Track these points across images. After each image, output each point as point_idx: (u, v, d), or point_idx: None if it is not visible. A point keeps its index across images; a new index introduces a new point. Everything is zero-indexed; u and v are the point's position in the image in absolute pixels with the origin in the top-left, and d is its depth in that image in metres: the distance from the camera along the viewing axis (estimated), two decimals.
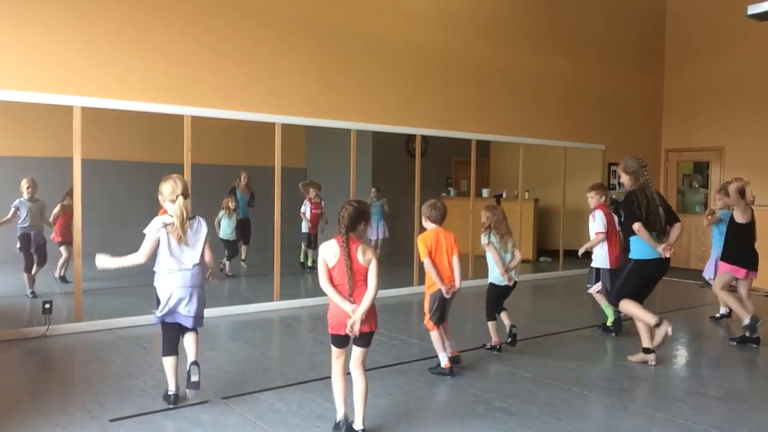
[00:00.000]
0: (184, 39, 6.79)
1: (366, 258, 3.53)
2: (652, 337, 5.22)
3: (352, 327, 3.48)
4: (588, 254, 6.47)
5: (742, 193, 6.10)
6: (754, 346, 5.87)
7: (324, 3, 7.85)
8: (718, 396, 4.58)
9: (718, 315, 7.10)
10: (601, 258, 6.35)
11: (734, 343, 5.96)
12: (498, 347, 5.52)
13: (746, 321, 5.95)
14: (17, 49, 5.87)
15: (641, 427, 3.96)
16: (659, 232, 5.12)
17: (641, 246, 5.10)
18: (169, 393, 4.18)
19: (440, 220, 4.90)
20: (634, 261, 5.18)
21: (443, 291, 4.80)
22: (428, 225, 4.93)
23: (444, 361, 4.92)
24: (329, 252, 3.55)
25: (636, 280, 5.21)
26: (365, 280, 3.54)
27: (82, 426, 3.79)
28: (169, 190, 4.03)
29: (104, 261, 3.99)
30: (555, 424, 3.97)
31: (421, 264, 5.04)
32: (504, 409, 4.20)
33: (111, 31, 6.35)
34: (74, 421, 3.85)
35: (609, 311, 6.39)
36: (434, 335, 4.93)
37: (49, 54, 6.03)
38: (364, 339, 3.62)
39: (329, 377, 3.70)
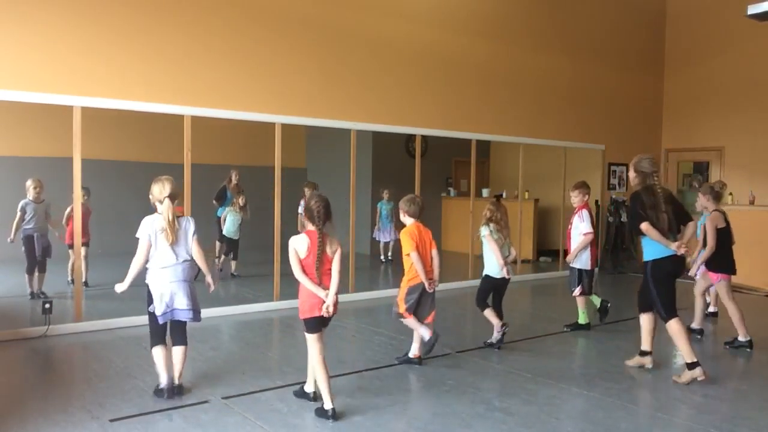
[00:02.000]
0: (184, 39, 6.79)
1: (332, 249, 3.92)
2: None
3: (328, 309, 3.83)
4: (565, 253, 6.40)
5: (716, 197, 5.98)
6: (748, 350, 5.82)
7: (324, 3, 7.85)
8: (718, 396, 4.58)
9: (707, 312, 6.97)
10: (582, 259, 6.30)
11: (727, 347, 5.89)
12: (500, 338, 5.57)
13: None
14: (17, 49, 5.87)
15: (641, 427, 3.96)
16: (671, 232, 4.87)
17: (653, 246, 4.89)
18: (161, 386, 4.22)
19: (418, 214, 5.02)
20: (651, 262, 4.93)
21: (426, 285, 4.92)
22: (407, 219, 5.03)
23: (415, 350, 5.05)
24: (301, 244, 3.85)
25: (665, 282, 4.92)
26: (330, 269, 3.90)
27: (82, 426, 3.79)
28: (157, 191, 4.17)
29: (121, 286, 4.17)
30: (555, 424, 3.97)
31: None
32: (504, 409, 4.20)
33: (111, 31, 6.35)
34: (74, 421, 3.85)
35: (583, 315, 6.43)
36: (412, 321, 5.00)
37: (49, 54, 6.03)
38: (326, 322, 3.99)
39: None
